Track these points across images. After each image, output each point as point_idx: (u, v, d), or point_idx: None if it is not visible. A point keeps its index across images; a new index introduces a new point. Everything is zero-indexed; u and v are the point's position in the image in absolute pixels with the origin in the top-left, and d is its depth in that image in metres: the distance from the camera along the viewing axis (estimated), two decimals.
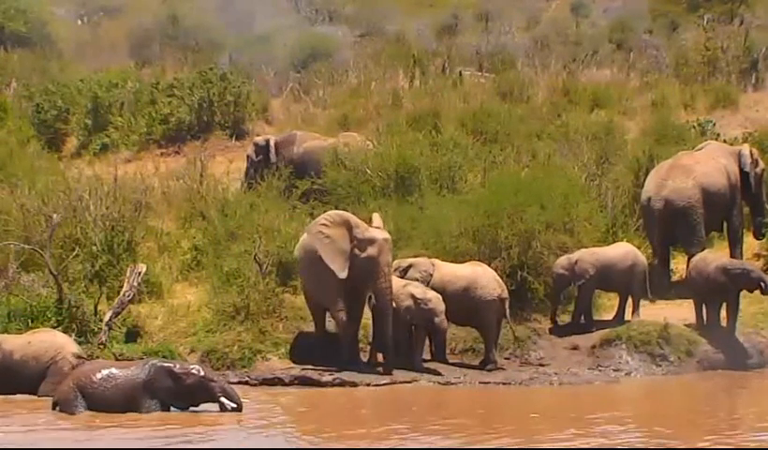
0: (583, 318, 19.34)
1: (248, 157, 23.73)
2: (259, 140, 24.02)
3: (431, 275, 18.38)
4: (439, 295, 18.02)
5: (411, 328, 18.03)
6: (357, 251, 17.62)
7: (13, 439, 14.02)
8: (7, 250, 19.39)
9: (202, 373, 15.31)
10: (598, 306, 19.72)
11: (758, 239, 21.38)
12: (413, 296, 17.92)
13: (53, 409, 15.34)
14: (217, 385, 15.22)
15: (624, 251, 19.54)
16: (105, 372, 15.33)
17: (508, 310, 18.32)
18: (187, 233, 21.46)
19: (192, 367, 15.49)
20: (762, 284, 18.64)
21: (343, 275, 17.60)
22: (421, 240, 19.71)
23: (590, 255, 19.24)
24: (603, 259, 19.26)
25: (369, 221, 18.10)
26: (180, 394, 15.16)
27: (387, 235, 17.74)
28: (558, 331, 19.17)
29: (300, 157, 23.16)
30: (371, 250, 17.55)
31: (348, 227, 17.80)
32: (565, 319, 19.40)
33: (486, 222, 19.51)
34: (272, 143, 23.48)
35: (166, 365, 15.38)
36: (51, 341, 16.70)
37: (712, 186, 20.57)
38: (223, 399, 15.12)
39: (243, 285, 18.92)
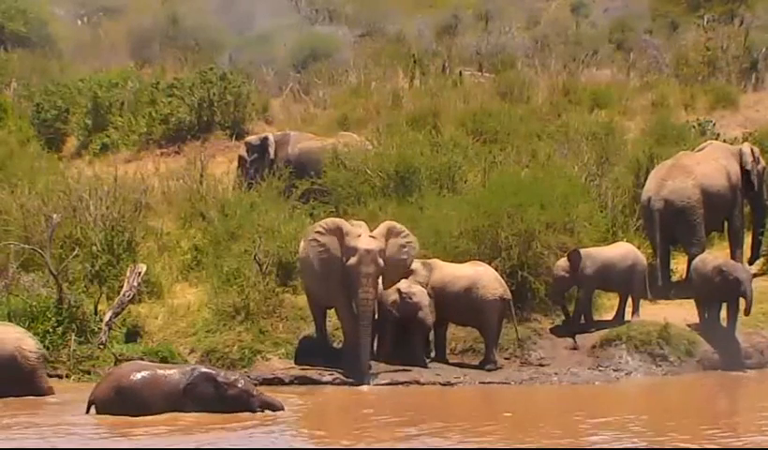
0: (583, 318, 19.32)
1: (240, 157, 23.72)
2: (252, 139, 24.02)
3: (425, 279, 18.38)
4: (424, 290, 18.04)
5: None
6: (344, 259, 17.62)
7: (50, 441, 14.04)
8: (7, 250, 19.41)
9: (244, 386, 15.21)
10: (597, 306, 19.71)
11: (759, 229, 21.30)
12: (398, 290, 17.94)
13: (88, 410, 15.28)
14: (257, 400, 15.15)
15: (624, 251, 19.53)
16: (145, 374, 15.24)
17: (513, 310, 18.30)
18: (187, 233, 21.47)
19: (235, 378, 15.35)
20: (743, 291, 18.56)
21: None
22: (421, 240, 19.69)
23: (590, 255, 19.23)
24: (603, 259, 19.25)
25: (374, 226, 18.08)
26: (219, 402, 15.04)
27: (371, 246, 17.65)
28: (558, 331, 19.16)
29: (296, 157, 23.15)
30: (352, 260, 17.55)
31: (340, 235, 17.78)
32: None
33: (486, 222, 19.50)
34: (271, 140, 23.46)
35: (209, 372, 15.30)
36: (11, 334, 16.59)
37: (712, 186, 20.57)
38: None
39: (243, 285, 18.92)
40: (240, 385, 15.18)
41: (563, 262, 19.12)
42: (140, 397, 15.01)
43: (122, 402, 15.03)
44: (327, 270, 17.70)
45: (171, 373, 15.25)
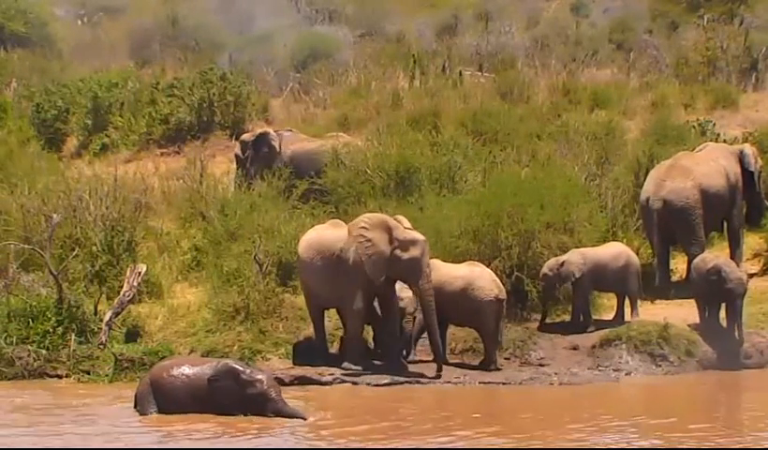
0: (581, 318, 19.31)
1: (236, 156, 23.74)
2: (246, 136, 24.04)
3: None
4: (414, 299, 18.07)
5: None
6: (399, 252, 17.61)
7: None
8: (7, 250, 19.41)
9: (264, 388, 15.04)
10: (597, 306, 19.72)
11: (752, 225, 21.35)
12: None
13: (135, 408, 15.29)
14: (271, 405, 14.96)
15: (616, 252, 19.48)
16: (178, 369, 15.17)
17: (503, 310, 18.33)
18: (187, 233, 21.49)
19: (258, 377, 15.13)
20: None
21: (381, 279, 17.63)
22: None
23: (579, 256, 19.21)
24: (593, 259, 19.22)
25: None
26: (240, 399, 14.93)
27: (424, 237, 17.74)
28: (558, 331, 19.15)
29: (289, 159, 23.14)
30: (414, 251, 17.56)
31: (388, 229, 17.74)
32: (565, 319, 19.40)
33: (486, 222, 19.50)
34: (273, 135, 23.53)
35: (233, 367, 15.15)
36: None
37: (711, 187, 20.57)
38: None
39: (243, 285, 18.92)
40: (259, 387, 15.01)
41: (552, 261, 19.13)
42: (171, 394, 14.99)
43: (156, 398, 15.04)
44: (375, 266, 17.55)
45: (201, 369, 15.14)
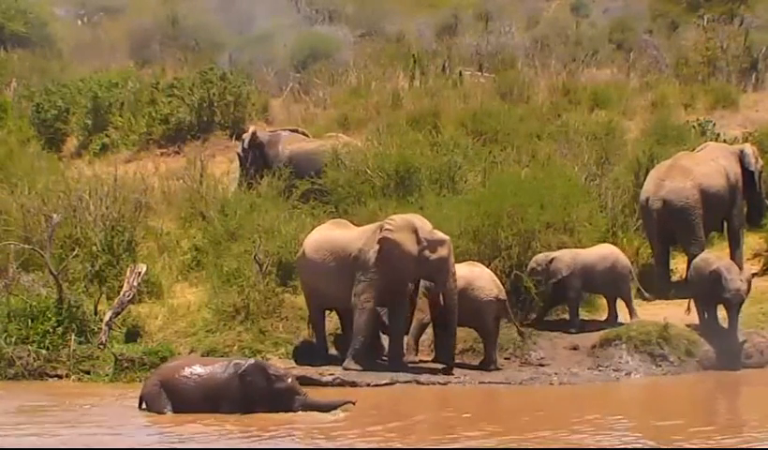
0: (576, 314, 19.31)
1: (238, 155, 23.79)
2: (245, 136, 24.08)
3: None
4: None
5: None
6: (427, 252, 17.58)
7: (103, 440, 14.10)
8: (7, 250, 19.42)
9: (292, 383, 15.02)
10: (597, 306, 19.73)
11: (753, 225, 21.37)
12: None
13: (140, 407, 15.27)
14: (299, 399, 14.98)
15: (604, 253, 19.42)
16: (190, 369, 15.15)
17: (509, 311, 18.31)
18: (187, 233, 21.49)
19: (284, 372, 15.16)
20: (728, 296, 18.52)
21: (412, 282, 17.67)
22: None
23: (570, 255, 19.21)
24: (581, 260, 19.19)
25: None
26: (268, 396, 14.91)
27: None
28: (558, 330, 19.14)
29: (286, 158, 23.13)
30: (442, 251, 17.54)
31: (414, 229, 17.71)
32: (564, 318, 19.40)
33: (486, 222, 19.51)
34: (250, 131, 23.54)
35: (261, 363, 15.17)
36: None
37: (711, 187, 20.57)
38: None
39: (243, 285, 18.92)
40: (288, 382, 15.00)
41: (541, 256, 19.13)
42: (183, 393, 14.98)
43: (166, 397, 15.03)
44: (400, 266, 17.50)
45: (216, 368, 15.12)
